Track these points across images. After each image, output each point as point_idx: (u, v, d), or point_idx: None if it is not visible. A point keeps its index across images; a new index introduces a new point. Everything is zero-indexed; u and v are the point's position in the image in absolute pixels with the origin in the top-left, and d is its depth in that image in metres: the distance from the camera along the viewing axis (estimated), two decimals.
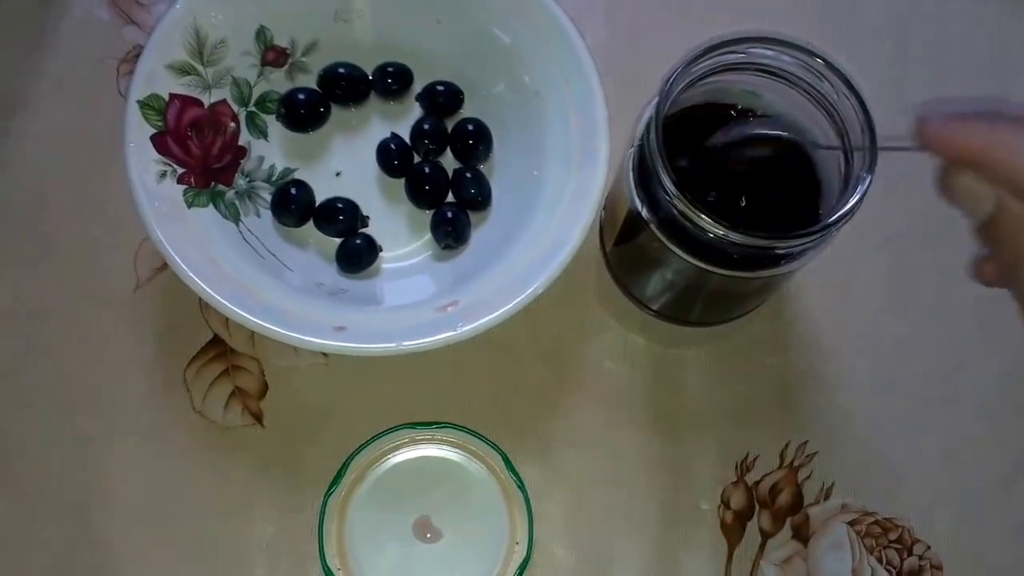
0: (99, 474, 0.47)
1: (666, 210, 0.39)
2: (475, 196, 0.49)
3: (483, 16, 0.48)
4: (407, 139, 0.50)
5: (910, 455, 0.49)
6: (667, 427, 0.49)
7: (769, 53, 0.39)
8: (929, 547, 0.48)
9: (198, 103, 0.47)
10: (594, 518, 0.47)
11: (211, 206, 0.46)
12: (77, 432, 0.47)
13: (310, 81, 0.50)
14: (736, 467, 0.48)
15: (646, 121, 0.39)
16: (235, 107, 0.48)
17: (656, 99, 0.38)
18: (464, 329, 0.42)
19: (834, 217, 0.37)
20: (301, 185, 0.49)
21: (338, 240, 0.48)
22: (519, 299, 0.43)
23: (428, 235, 0.49)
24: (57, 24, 0.53)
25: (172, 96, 0.45)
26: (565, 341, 0.50)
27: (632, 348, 0.50)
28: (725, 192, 0.40)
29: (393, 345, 0.42)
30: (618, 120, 0.45)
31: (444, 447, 0.46)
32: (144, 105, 0.44)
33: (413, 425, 0.46)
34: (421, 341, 0.42)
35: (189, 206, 0.45)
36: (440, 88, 0.50)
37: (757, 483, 0.48)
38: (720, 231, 0.37)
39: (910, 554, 0.47)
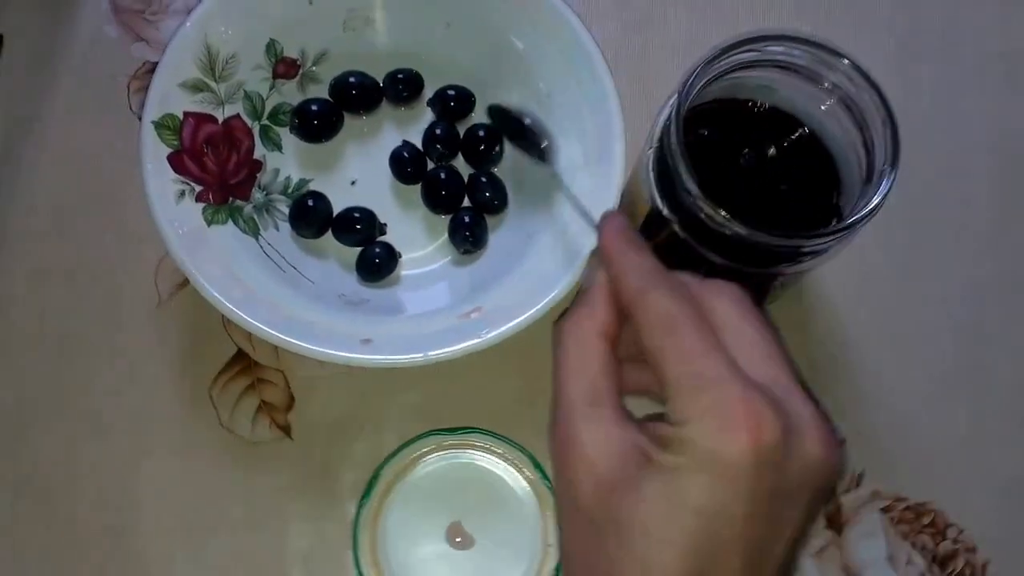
0: (132, 495, 0.47)
1: (689, 210, 0.38)
2: (491, 200, 0.49)
3: (492, 19, 0.48)
4: (419, 144, 0.50)
5: (939, 438, 0.49)
6: None
7: (796, 52, 0.39)
8: (963, 531, 0.47)
9: (212, 119, 0.46)
10: None
11: (230, 222, 0.46)
12: (108, 453, 0.47)
13: (322, 91, 0.50)
14: None
15: (664, 122, 0.39)
16: (248, 121, 0.48)
17: (675, 99, 0.38)
18: (489, 336, 0.42)
19: (859, 215, 0.36)
20: (318, 196, 0.49)
21: (357, 250, 0.48)
22: (543, 303, 0.42)
23: (446, 240, 0.49)
24: (67, 43, 0.53)
25: (186, 114, 0.45)
26: None
27: None
28: (745, 188, 0.40)
29: (420, 356, 0.42)
30: (630, 113, 0.45)
31: (472, 452, 0.46)
32: (159, 126, 0.44)
33: (440, 431, 0.46)
34: (447, 350, 0.42)
35: (209, 224, 0.45)
36: (451, 92, 0.50)
37: None
38: (746, 231, 0.36)
39: (944, 538, 0.47)
